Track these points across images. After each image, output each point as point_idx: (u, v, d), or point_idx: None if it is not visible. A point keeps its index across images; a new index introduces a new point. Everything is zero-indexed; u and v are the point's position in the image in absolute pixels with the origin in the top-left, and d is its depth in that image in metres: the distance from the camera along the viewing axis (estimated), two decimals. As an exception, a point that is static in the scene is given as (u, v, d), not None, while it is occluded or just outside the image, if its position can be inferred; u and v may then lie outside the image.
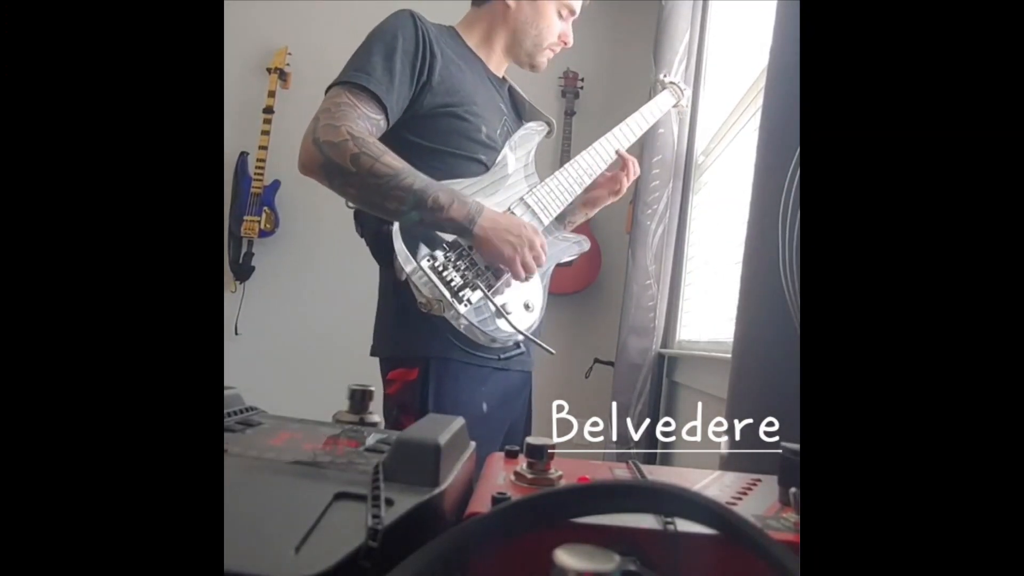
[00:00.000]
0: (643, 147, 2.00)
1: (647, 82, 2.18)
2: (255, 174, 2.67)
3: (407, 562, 0.27)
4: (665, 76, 1.44)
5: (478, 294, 1.05)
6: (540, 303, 1.15)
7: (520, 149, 1.19)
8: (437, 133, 1.10)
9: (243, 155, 2.71)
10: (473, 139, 1.12)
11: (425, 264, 1.03)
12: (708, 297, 1.76)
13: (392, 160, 0.99)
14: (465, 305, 1.04)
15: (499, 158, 1.15)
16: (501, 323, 1.08)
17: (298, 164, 1.02)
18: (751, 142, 1.34)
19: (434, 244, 1.05)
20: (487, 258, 1.06)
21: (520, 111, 1.28)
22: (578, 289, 2.70)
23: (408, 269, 1.02)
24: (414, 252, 1.04)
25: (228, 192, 2.70)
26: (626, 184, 1.30)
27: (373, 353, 1.17)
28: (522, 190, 1.16)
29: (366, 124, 1.01)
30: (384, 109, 1.03)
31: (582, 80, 2.81)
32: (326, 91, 1.04)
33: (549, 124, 1.24)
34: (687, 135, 2.02)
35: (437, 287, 1.03)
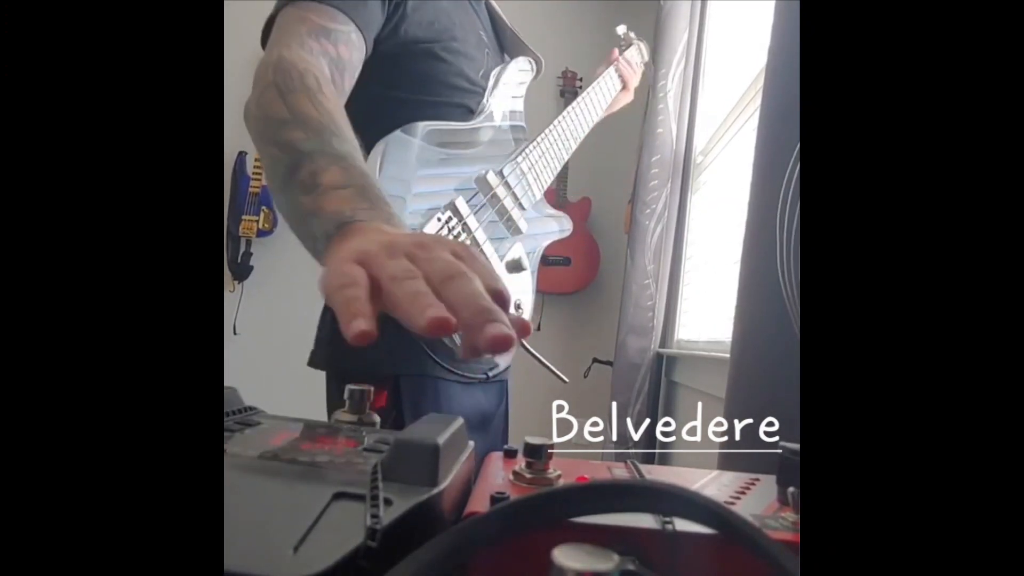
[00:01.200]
0: (642, 146, 2.00)
1: (646, 81, 2.18)
2: (253, 174, 2.67)
3: (406, 562, 0.27)
4: (627, 32, 1.30)
5: None
6: (531, 302, 0.95)
7: (504, 91, 0.98)
8: (411, 81, 0.88)
9: (242, 155, 2.71)
10: (451, 84, 0.91)
11: None
12: (707, 297, 1.76)
13: (304, 101, 0.66)
14: None
15: (483, 104, 0.94)
16: None
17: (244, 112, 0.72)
18: (750, 142, 1.34)
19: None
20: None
21: (501, 38, 1.05)
22: (577, 289, 2.71)
23: None
24: None
25: (227, 192, 2.70)
26: (633, 75, 1.14)
27: (313, 363, 0.92)
28: (508, 145, 0.95)
29: (321, 44, 0.73)
30: (352, 22, 0.77)
31: (580, 79, 2.81)
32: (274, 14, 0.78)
33: (536, 61, 1.03)
34: (685, 135, 2.02)
35: None
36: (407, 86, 0.88)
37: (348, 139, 0.63)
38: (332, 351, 0.91)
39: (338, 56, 0.73)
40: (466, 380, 0.93)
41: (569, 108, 1.07)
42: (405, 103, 0.88)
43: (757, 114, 0.91)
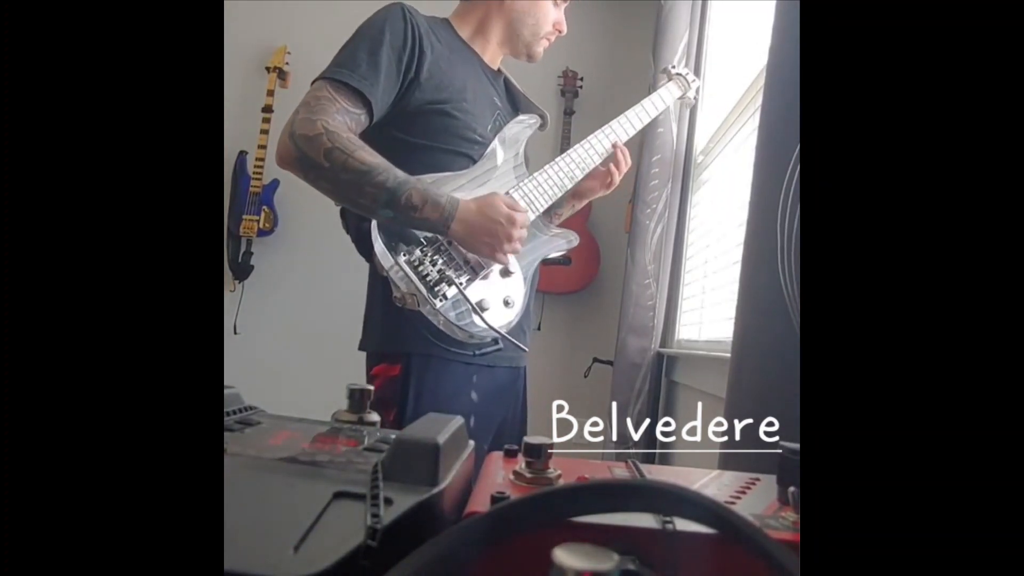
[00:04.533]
0: (642, 146, 2.00)
1: (646, 81, 2.18)
2: (254, 173, 2.67)
3: (406, 561, 0.27)
4: (672, 67, 1.40)
5: (454, 290, 1.04)
6: (521, 299, 1.14)
7: (510, 143, 1.17)
8: (424, 130, 1.09)
9: (242, 154, 2.70)
10: (462, 136, 1.11)
11: (402, 259, 1.03)
12: (707, 296, 1.76)
13: (366, 156, 0.98)
14: (440, 300, 1.03)
15: (487, 151, 1.14)
16: (478, 319, 1.07)
17: (275, 157, 1.03)
18: (750, 141, 1.34)
19: (412, 239, 1.04)
20: (468, 252, 1.06)
21: (515, 104, 1.26)
22: (577, 288, 2.70)
23: (386, 264, 1.02)
24: (392, 247, 1.03)
25: (227, 191, 2.69)
26: (617, 177, 1.28)
27: (361, 347, 1.17)
28: (510, 183, 1.15)
29: (345, 119, 1.01)
30: (367, 104, 1.03)
31: (581, 79, 2.81)
32: (311, 84, 1.04)
33: (542, 117, 1.23)
34: (686, 134, 2.02)
35: (413, 282, 1.02)
36: (422, 135, 1.09)
37: (398, 171, 1.00)
38: (368, 334, 1.17)
39: (352, 130, 1.02)
40: (469, 361, 1.11)
41: (572, 149, 1.22)
42: (419, 147, 1.09)
43: (758, 114, 0.91)
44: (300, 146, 0.98)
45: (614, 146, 1.24)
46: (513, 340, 1.10)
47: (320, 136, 0.97)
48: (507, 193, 1.12)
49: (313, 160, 0.97)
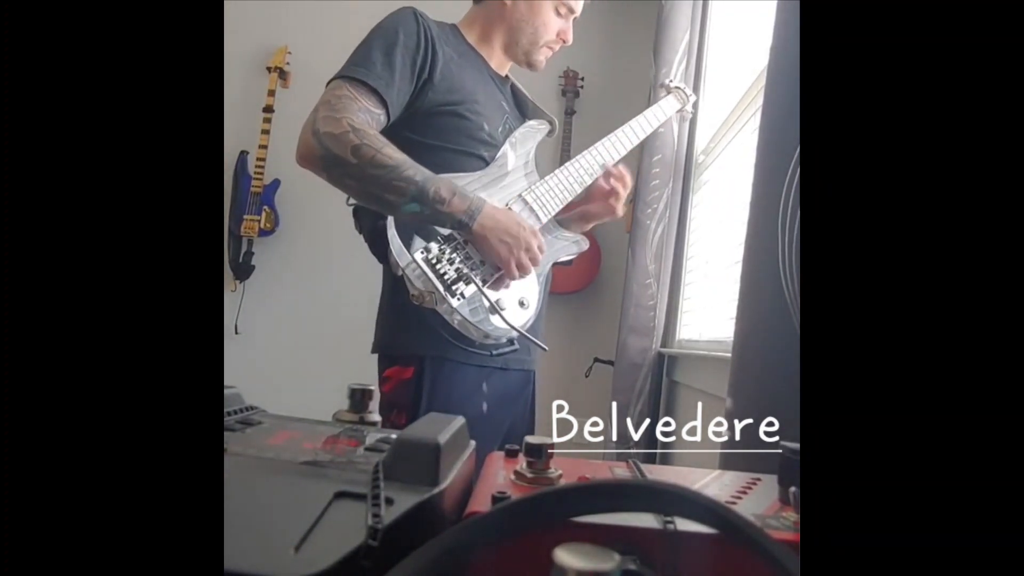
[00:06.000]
0: (643, 146, 2.00)
1: (647, 81, 2.18)
2: (255, 173, 2.67)
3: (407, 561, 0.27)
4: (670, 81, 1.42)
5: (471, 288, 1.04)
6: (536, 301, 1.14)
7: (520, 147, 1.18)
8: (438, 131, 1.10)
9: (243, 154, 2.70)
10: (474, 137, 1.12)
11: (419, 256, 1.03)
12: (708, 296, 1.76)
13: (393, 152, 0.99)
14: (458, 299, 1.03)
15: (499, 155, 1.15)
16: (495, 319, 1.06)
17: (296, 156, 1.02)
18: (751, 141, 1.34)
19: (429, 236, 1.04)
20: (483, 255, 1.06)
21: (523, 109, 1.28)
22: (578, 288, 2.70)
23: (403, 263, 1.02)
24: (408, 245, 1.03)
25: (228, 191, 2.70)
26: (621, 201, 1.26)
27: (373, 350, 1.17)
28: (522, 187, 1.16)
29: (366, 117, 1.01)
30: (384, 104, 1.03)
31: (582, 79, 2.81)
32: (327, 85, 1.05)
33: (551, 123, 1.24)
34: (687, 134, 2.02)
35: (430, 279, 1.02)
36: (435, 135, 1.10)
37: (422, 167, 1.01)
38: (380, 336, 1.17)
39: (372, 128, 1.03)
40: (482, 364, 1.12)
41: (580, 156, 1.22)
42: (432, 148, 1.09)
43: (759, 114, 0.91)
44: (325, 143, 0.98)
45: (603, 167, 1.21)
46: (531, 338, 1.10)
47: (347, 133, 0.97)
48: (520, 196, 1.14)
49: (340, 157, 0.97)
